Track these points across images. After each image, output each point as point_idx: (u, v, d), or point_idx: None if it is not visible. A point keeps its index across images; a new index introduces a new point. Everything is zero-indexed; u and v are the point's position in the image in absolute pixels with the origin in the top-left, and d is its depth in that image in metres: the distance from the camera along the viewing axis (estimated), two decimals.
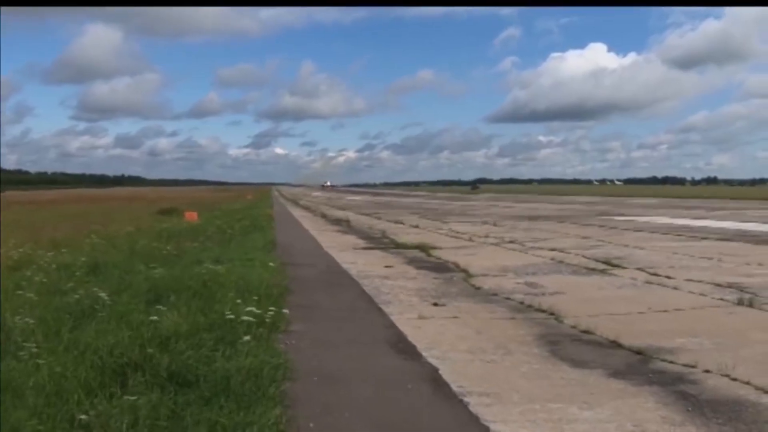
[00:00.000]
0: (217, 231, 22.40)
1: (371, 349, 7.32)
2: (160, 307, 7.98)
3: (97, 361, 5.75)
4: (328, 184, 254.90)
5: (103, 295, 8.53)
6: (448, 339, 7.71)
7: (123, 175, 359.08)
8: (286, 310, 8.42)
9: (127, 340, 6.36)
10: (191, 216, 31.17)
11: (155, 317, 7.30)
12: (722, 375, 6.07)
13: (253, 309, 7.60)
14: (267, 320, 7.51)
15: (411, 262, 15.43)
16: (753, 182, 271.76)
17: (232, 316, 7.30)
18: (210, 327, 7.12)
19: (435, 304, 9.96)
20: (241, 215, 35.23)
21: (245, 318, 7.22)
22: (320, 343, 7.47)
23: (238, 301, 8.14)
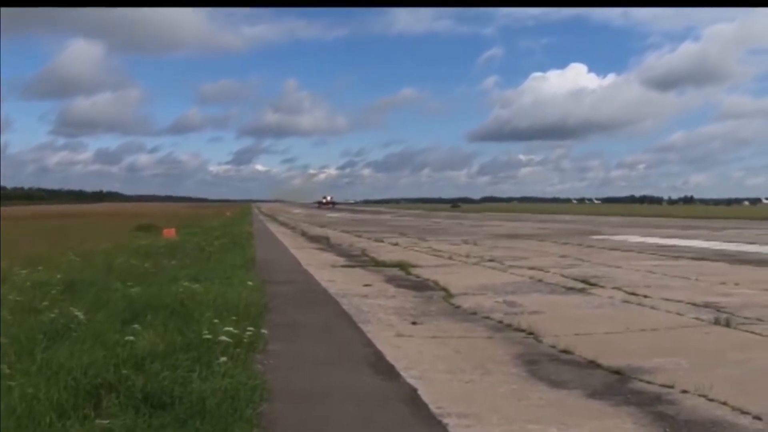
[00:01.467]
0: (195, 248, 22.27)
1: (349, 368, 7.27)
2: (137, 326, 7.89)
3: (70, 382, 5.65)
4: (329, 199, 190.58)
5: (78, 313, 8.42)
6: (426, 358, 7.69)
7: (101, 191, 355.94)
8: (264, 330, 8.37)
9: (102, 360, 6.27)
10: (169, 233, 30.95)
11: (131, 337, 7.21)
12: (699, 395, 6.09)
13: (231, 329, 7.54)
14: (245, 340, 7.45)
15: (390, 280, 15.41)
16: (728, 202, 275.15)
17: (209, 336, 7.23)
18: (187, 347, 7.03)
19: (414, 323, 9.94)
20: (220, 232, 35.07)
21: (223, 338, 7.16)
22: (298, 363, 7.42)
23: (216, 320, 8.07)
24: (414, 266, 18.03)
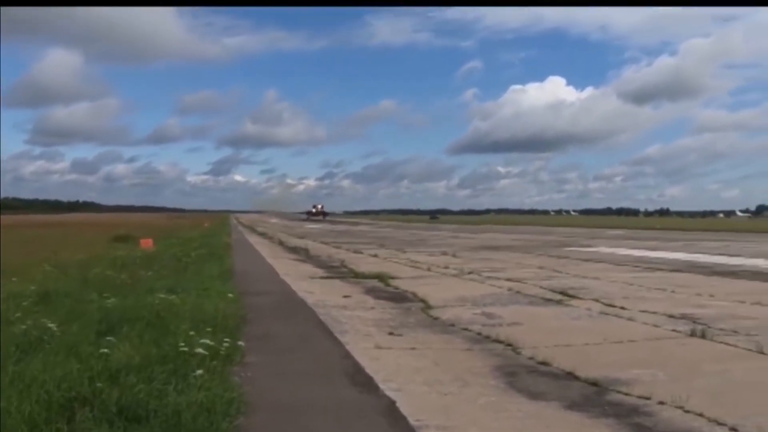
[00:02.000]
0: (172, 259, 22.09)
1: (328, 380, 7.22)
2: (112, 338, 7.80)
3: (43, 395, 5.55)
4: (319, 208, 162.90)
5: (51, 325, 8.30)
6: (405, 370, 7.66)
7: (77, 201, 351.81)
8: (241, 342, 8.29)
9: (76, 373, 6.17)
10: (146, 243, 30.71)
11: (106, 349, 7.12)
12: (676, 407, 6.13)
13: (207, 341, 7.48)
14: (221, 352, 7.39)
15: (369, 291, 15.38)
16: (704, 214, 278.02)
17: (185, 348, 7.16)
18: (163, 359, 6.95)
19: (392, 335, 9.91)
20: (197, 243, 34.82)
21: (199, 350, 7.09)
22: (276, 375, 7.35)
23: (192, 332, 7.99)
24: (393, 278, 18.01)
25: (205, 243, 35.00)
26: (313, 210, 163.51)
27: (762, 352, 8.45)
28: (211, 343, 7.44)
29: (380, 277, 18.08)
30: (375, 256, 28.15)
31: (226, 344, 7.67)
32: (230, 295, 12.50)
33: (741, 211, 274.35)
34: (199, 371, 6.45)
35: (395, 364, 7.97)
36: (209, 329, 8.38)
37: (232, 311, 10.70)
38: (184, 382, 6.15)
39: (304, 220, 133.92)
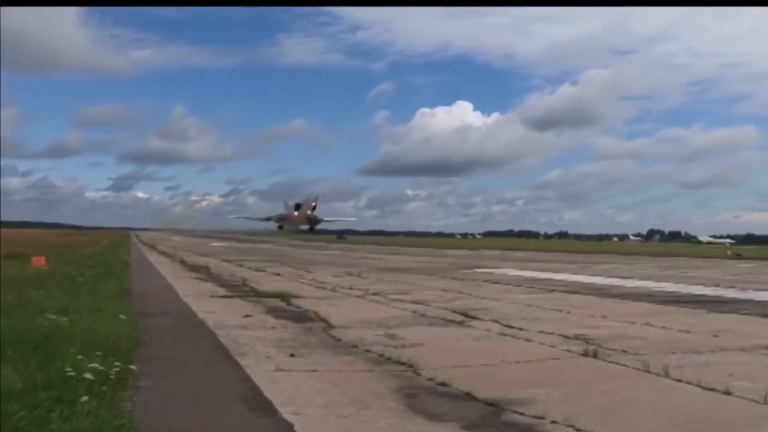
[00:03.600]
0: (66, 278, 21.16)
1: (225, 405, 7.05)
2: None
3: None
4: (312, 208, 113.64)
5: None
6: (305, 393, 7.57)
7: None
8: (133, 366, 7.97)
9: None
10: (39, 261, 29.28)
11: None
12: (568, 425, 6.30)
13: (97, 365, 7.17)
14: (111, 377, 7.08)
15: (270, 311, 15.18)
16: (600, 237, 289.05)
17: (73, 373, 6.83)
18: (48, 385, 6.62)
19: (292, 356, 9.79)
20: (94, 261, 33.49)
21: (87, 375, 6.78)
22: (170, 400, 7.12)
23: (80, 356, 7.64)
24: (296, 297, 17.86)
25: (103, 261, 33.70)
26: (295, 213, 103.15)
27: (649, 371, 8.82)
28: (101, 368, 7.16)
29: (282, 296, 17.89)
30: (278, 275, 27.86)
31: (116, 368, 7.37)
32: (123, 316, 12.03)
33: (634, 235, 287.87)
34: (85, 397, 6.16)
35: (295, 387, 7.86)
36: (99, 353, 8.05)
37: (126, 333, 10.31)
38: (70, 409, 5.87)
39: (276, 229, 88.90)
